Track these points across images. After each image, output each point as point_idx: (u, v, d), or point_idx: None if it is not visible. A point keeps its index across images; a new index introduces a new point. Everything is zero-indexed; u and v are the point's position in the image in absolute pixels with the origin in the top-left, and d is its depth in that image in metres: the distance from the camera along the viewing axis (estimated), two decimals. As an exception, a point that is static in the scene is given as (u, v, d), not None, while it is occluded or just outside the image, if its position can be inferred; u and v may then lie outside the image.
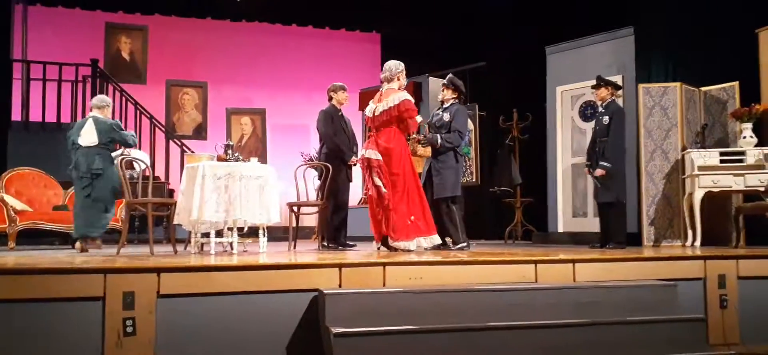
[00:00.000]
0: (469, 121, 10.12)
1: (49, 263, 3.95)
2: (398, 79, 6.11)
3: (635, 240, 7.44)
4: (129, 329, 3.80)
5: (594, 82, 6.78)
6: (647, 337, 4.21)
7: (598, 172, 6.47)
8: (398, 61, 6.21)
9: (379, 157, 5.88)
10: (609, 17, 8.52)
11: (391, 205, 5.81)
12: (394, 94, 5.96)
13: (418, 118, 6.14)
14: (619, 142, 6.51)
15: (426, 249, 5.79)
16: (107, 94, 10.50)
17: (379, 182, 5.85)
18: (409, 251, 5.67)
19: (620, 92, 7.02)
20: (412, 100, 6.04)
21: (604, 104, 6.69)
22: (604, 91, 6.68)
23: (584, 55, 8.42)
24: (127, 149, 6.41)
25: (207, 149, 10.22)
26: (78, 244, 6.23)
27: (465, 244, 6.36)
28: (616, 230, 6.51)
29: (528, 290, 4.43)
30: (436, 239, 5.93)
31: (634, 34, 7.99)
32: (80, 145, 6.21)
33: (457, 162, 6.54)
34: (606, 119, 6.54)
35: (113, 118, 6.70)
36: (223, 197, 5.59)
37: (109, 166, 6.20)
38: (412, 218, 5.80)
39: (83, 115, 10.28)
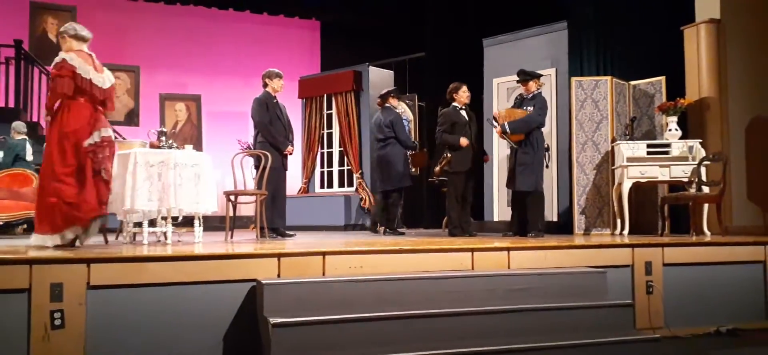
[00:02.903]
0: (408, 111, 10.27)
1: (-31, 254, 3.76)
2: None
3: (566, 229, 7.67)
4: (57, 322, 3.67)
5: (521, 76, 6.95)
6: (578, 322, 4.36)
7: (498, 129, 6.73)
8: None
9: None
10: (544, 11, 8.72)
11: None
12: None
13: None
14: (529, 120, 6.66)
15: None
16: (32, 77, 10.10)
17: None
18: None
19: (543, 81, 7.23)
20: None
21: (530, 95, 6.86)
22: (532, 84, 6.86)
23: (520, 48, 8.59)
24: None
25: (139, 136, 9.90)
26: None
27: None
28: (535, 218, 6.65)
29: (465, 278, 4.51)
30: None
31: (567, 29, 8.21)
32: (26, 160, 8.23)
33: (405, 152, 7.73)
34: (531, 108, 6.72)
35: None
36: (156, 186, 5.44)
37: None
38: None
39: (6, 99, 9.87)
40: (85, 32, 5.04)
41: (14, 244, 5.64)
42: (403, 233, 7.89)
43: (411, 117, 10.20)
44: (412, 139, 8.16)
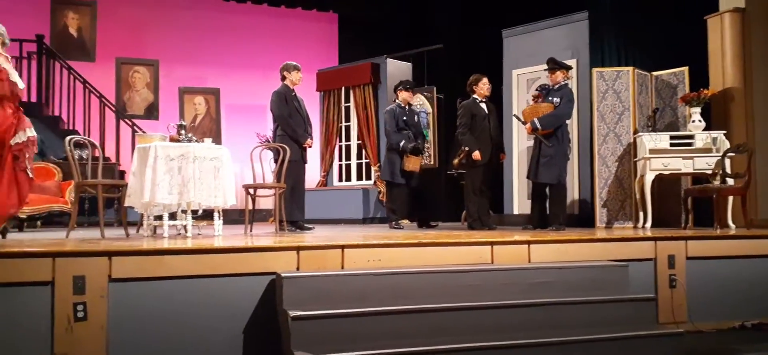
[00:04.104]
0: (426, 103, 10.22)
1: (-7, 247, 3.81)
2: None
3: (588, 222, 7.59)
4: (80, 314, 3.71)
5: (551, 64, 6.86)
6: (600, 316, 4.31)
7: (528, 127, 6.64)
8: None
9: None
10: (564, 1, 8.61)
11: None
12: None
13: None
14: (559, 114, 6.59)
15: None
16: (54, 72, 10.21)
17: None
18: None
19: (572, 74, 7.13)
20: None
21: (556, 87, 6.78)
22: (559, 75, 6.78)
23: (540, 39, 8.50)
24: None
25: (159, 130, 9.97)
26: None
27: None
28: (557, 212, 6.58)
29: (484, 271, 4.48)
30: None
31: (588, 19, 8.11)
32: None
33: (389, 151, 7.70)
34: (557, 100, 6.64)
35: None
36: (176, 179, 5.47)
37: None
38: None
39: (28, 94, 9.98)
40: (7, 39, 5.17)
41: (37, 237, 5.71)
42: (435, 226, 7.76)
43: (430, 109, 10.16)
44: (405, 140, 7.61)
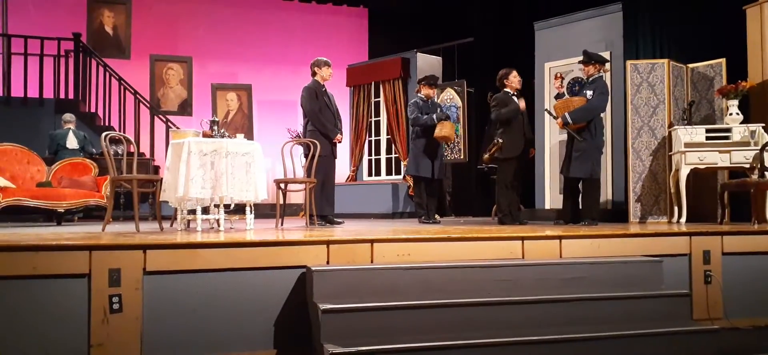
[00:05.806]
0: (456, 97, 10.18)
1: (33, 240, 3.90)
2: None
3: (622, 216, 7.49)
4: (115, 306, 3.79)
5: (585, 57, 6.76)
6: (633, 312, 4.25)
7: (559, 122, 6.52)
8: None
9: None
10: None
11: None
12: None
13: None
14: (591, 108, 6.44)
15: None
16: (90, 69, 10.43)
17: None
18: None
19: (607, 67, 7.00)
20: None
21: (590, 80, 6.66)
22: (591, 68, 6.66)
23: (572, 31, 8.39)
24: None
25: (192, 125, 10.12)
26: None
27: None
28: (590, 206, 6.46)
29: (515, 266, 4.45)
30: None
31: (622, 10, 7.98)
32: (68, 149, 8.55)
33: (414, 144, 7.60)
34: (590, 94, 6.52)
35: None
36: (209, 174, 5.54)
37: None
38: None
39: (66, 91, 10.21)
40: None
41: (74, 230, 5.84)
42: (436, 222, 7.60)
43: (460, 103, 10.12)
44: (427, 116, 7.48)
